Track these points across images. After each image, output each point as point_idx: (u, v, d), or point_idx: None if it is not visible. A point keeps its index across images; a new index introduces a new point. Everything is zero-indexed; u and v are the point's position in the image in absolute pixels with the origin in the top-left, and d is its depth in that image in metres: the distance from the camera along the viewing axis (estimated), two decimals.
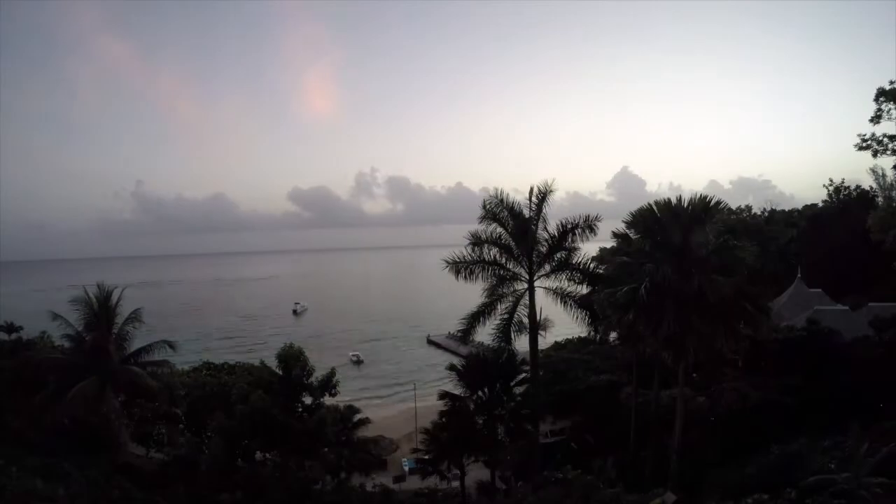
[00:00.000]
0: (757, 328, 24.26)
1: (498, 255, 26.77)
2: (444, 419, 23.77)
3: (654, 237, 22.06)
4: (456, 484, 26.52)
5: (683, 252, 21.18)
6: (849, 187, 63.52)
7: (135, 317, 28.09)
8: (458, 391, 24.12)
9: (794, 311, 40.52)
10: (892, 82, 29.87)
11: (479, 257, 26.63)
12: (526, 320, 26.18)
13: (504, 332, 25.97)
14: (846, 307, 40.89)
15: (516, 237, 26.46)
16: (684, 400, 23.12)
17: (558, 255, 26.59)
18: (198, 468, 23.20)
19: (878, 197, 53.90)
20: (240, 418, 23.27)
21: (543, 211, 26.52)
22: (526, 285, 26.60)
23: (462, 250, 26.77)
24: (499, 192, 26.79)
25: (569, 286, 26.75)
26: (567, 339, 50.32)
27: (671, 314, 19.98)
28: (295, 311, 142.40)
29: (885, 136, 31.02)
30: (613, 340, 45.95)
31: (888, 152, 31.29)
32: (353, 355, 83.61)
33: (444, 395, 24.23)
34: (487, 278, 26.65)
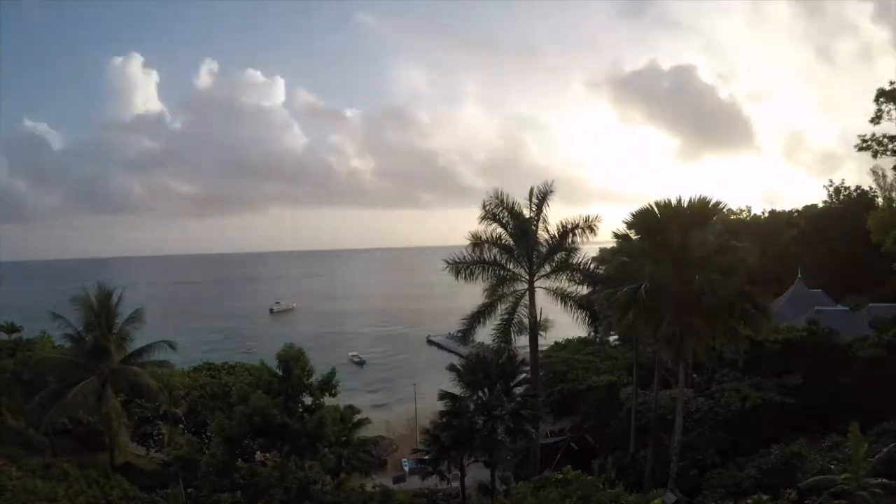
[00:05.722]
0: (757, 328, 24.31)
1: (498, 256, 26.79)
2: (444, 419, 23.69)
3: (654, 237, 22.06)
4: (456, 484, 26.48)
5: (683, 252, 21.18)
6: (849, 188, 63.49)
7: (135, 317, 28.14)
8: (458, 391, 24.05)
9: (794, 312, 40.45)
10: (892, 83, 29.89)
11: (480, 258, 26.65)
12: (526, 320, 26.18)
13: (504, 333, 25.98)
14: (846, 307, 40.89)
15: (516, 237, 26.49)
16: (684, 400, 23.12)
17: (558, 255, 26.62)
18: (198, 468, 23.18)
19: (878, 197, 53.95)
20: (239, 419, 23.25)
21: (543, 211, 26.57)
22: (526, 286, 26.61)
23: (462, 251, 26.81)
24: (499, 192, 26.85)
25: (569, 286, 26.79)
26: (567, 339, 50.28)
27: (671, 314, 20.00)
28: (272, 310, 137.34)
29: (885, 136, 31.04)
30: (613, 341, 46.02)
31: (888, 153, 31.30)
32: (353, 355, 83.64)
33: (444, 396, 24.12)
34: (488, 278, 26.68)
